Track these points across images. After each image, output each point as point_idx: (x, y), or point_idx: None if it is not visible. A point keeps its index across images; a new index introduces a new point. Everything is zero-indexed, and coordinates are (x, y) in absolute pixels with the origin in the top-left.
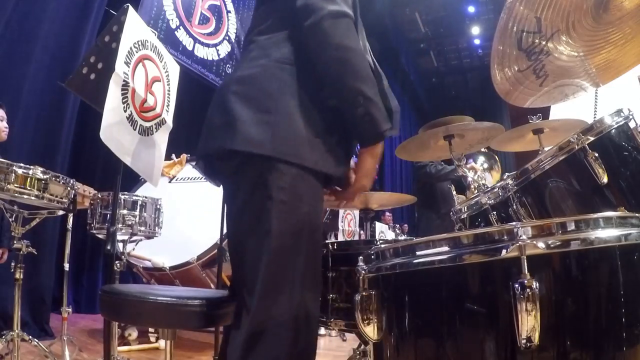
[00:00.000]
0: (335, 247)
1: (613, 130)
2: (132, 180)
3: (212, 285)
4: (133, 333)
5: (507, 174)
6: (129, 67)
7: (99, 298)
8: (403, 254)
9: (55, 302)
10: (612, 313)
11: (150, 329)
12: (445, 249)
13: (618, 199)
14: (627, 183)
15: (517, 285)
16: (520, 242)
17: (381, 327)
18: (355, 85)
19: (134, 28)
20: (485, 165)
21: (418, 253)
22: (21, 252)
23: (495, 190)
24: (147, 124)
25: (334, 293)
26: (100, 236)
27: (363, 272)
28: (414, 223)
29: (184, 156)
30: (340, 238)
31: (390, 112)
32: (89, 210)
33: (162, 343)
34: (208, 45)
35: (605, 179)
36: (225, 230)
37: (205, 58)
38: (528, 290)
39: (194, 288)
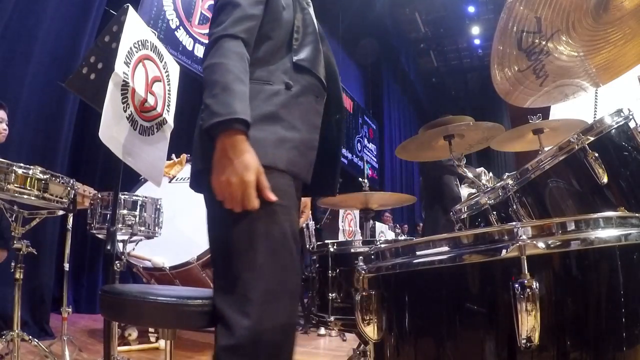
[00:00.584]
0: (335, 247)
1: (613, 130)
2: (132, 180)
3: (212, 285)
4: (133, 333)
5: (507, 174)
6: (128, 67)
7: (99, 298)
8: (403, 254)
9: (55, 302)
10: (612, 313)
11: (150, 329)
12: (445, 249)
13: (618, 199)
14: (627, 183)
15: (517, 285)
16: (520, 242)
17: (381, 327)
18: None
19: (134, 28)
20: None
21: (418, 253)
22: (21, 252)
23: (495, 190)
24: (148, 124)
25: (334, 293)
26: (100, 236)
27: (363, 272)
28: (414, 223)
29: (183, 156)
30: (341, 238)
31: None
32: (89, 210)
33: (162, 343)
34: None
35: (605, 179)
36: None
37: None
38: (528, 290)
39: (194, 288)
